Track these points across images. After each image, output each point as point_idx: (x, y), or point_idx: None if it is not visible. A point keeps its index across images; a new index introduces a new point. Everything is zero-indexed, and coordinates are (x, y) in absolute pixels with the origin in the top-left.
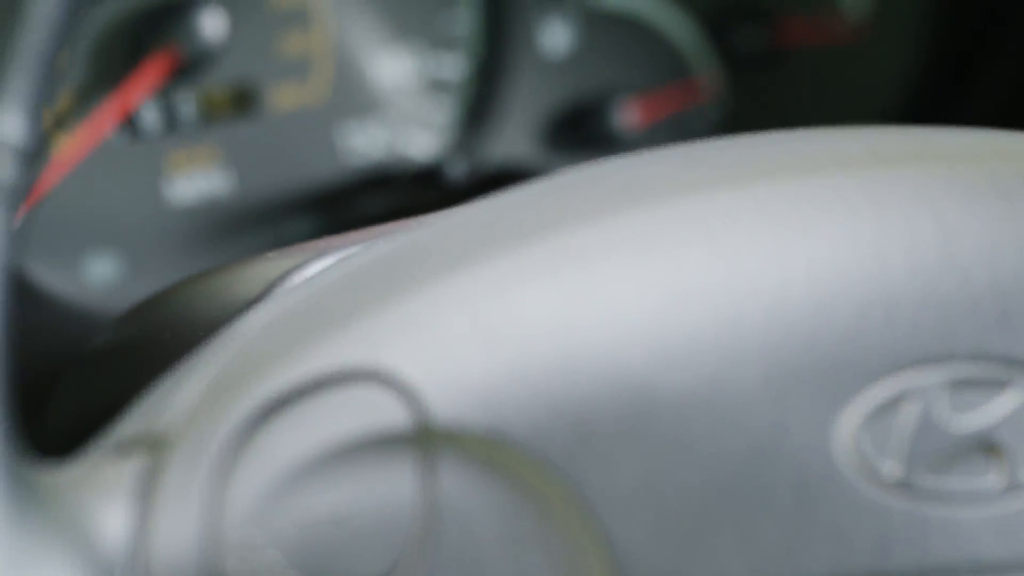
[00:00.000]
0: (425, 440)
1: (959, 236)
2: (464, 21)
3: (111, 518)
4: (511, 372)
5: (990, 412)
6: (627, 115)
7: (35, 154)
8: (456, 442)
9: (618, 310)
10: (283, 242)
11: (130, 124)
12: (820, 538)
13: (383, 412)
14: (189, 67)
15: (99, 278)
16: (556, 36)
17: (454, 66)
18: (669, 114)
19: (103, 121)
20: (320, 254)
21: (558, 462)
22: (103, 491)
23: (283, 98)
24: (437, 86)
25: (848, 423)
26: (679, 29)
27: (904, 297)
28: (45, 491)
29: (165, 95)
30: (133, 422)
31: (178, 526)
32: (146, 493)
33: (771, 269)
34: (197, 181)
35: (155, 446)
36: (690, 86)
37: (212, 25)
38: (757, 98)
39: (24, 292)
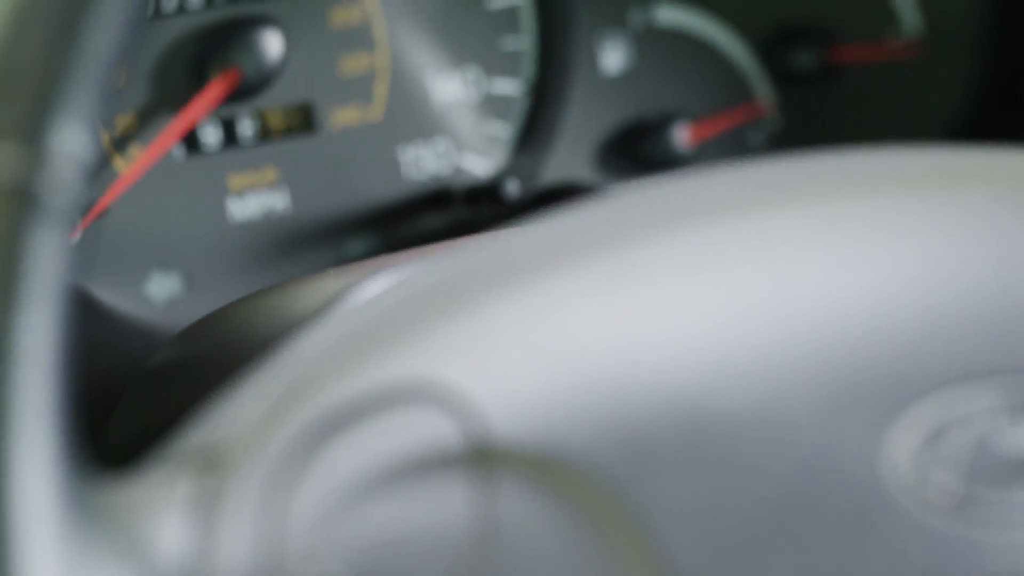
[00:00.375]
0: (483, 458)
1: (1012, 253)
2: (521, 39)
3: (172, 533)
4: (569, 391)
5: None
6: (682, 133)
7: (95, 168)
8: (514, 461)
9: (674, 329)
10: (342, 260)
11: (191, 142)
12: (874, 559)
13: (442, 430)
14: (249, 86)
15: (161, 295)
16: (612, 55)
17: (511, 84)
18: (723, 132)
19: (164, 140)
20: (379, 272)
21: (614, 481)
22: (164, 506)
23: (342, 117)
24: (494, 104)
25: (903, 442)
26: (734, 47)
27: (958, 314)
28: (106, 505)
29: (225, 113)
30: (194, 437)
31: (238, 542)
32: (207, 508)
33: (824, 288)
34: (257, 199)
35: (215, 462)
36: (745, 104)
37: (272, 45)
38: (811, 115)
39: (86, 308)
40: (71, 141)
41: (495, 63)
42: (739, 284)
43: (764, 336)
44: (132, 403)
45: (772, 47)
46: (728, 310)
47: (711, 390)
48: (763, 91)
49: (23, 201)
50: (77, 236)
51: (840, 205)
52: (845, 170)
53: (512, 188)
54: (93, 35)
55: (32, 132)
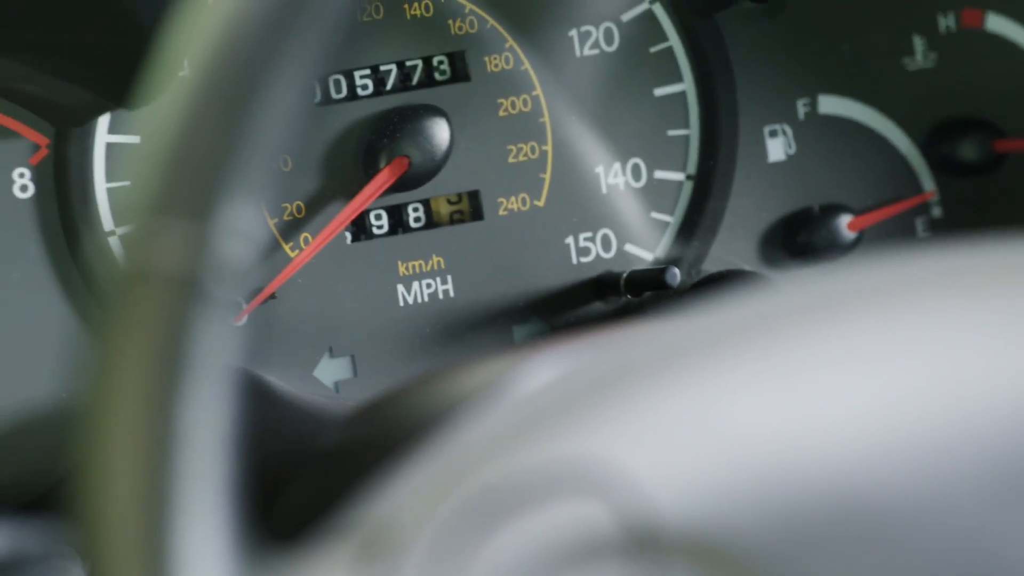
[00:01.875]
0: (649, 545)
1: None
2: (685, 126)
3: None
4: (737, 478)
5: None
6: (845, 222)
7: (262, 252)
8: (679, 549)
9: (841, 417)
10: (508, 344)
11: (359, 228)
12: None
13: (607, 515)
14: (417, 174)
15: (329, 377)
16: (775, 143)
17: (675, 170)
18: (887, 220)
19: (334, 226)
20: (544, 356)
21: (780, 570)
22: None
23: (508, 204)
24: (658, 192)
25: None
26: (896, 136)
27: None
28: None
29: (393, 200)
30: (360, 517)
31: None
32: None
33: (993, 378)
34: (424, 284)
35: (381, 541)
36: (908, 193)
37: (441, 134)
38: (973, 203)
39: (257, 389)
40: (238, 224)
41: (659, 151)
42: (906, 372)
43: (932, 425)
44: (301, 482)
45: (935, 137)
46: (895, 398)
47: (879, 478)
48: (926, 180)
49: (190, 283)
50: (245, 319)
51: (1007, 294)
52: (1012, 259)
53: (675, 275)
54: (261, 121)
55: (199, 214)
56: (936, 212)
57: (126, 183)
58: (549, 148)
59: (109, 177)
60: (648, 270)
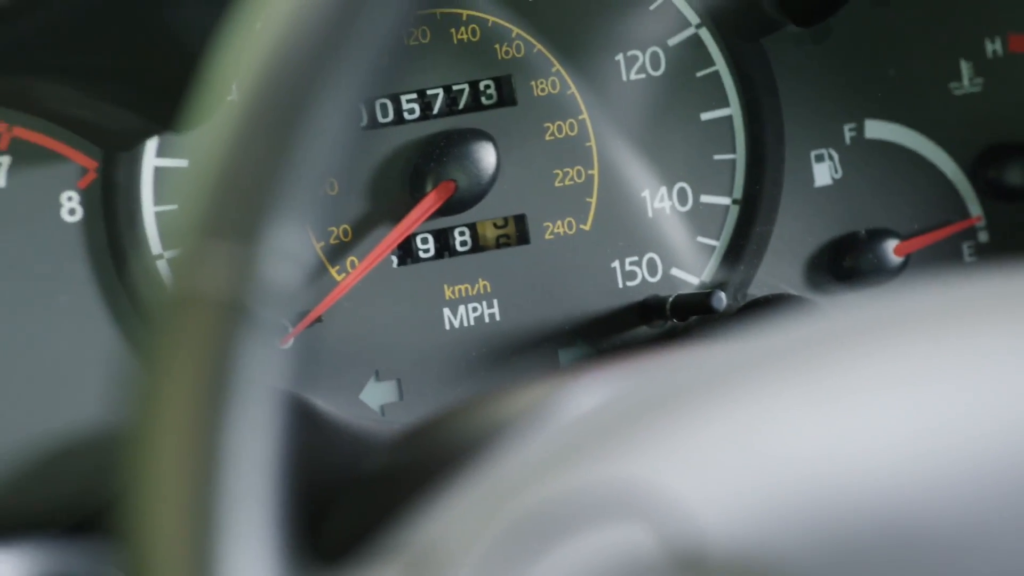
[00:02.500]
0: (699, 567)
1: None
2: (731, 151)
3: None
4: (783, 502)
5: None
6: (891, 247)
7: (308, 275)
8: (726, 571)
9: (889, 440)
10: (554, 368)
11: (405, 252)
12: None
13: (653, 538)
14: (463, 198)
15: (375, 400)
16: (821, 167)
17: (721, 195)
18: (934, 244)
19: (381, 250)
20: (590, 380)
21: None
22: None
23: (554, 228)
24: (704, 216)
25: None
26: (942, 161)
27: None
28: None
29: (440, 224)
30: (406, 539)
31: None
32: None
33: None
34: (470, 307)
35: (426, 563)
36: (954, 217)
37: (487, 158)
38: (1019, 228)
39: (303, 412)
40: (284, 247)
41: (706, 176)
42: (955, 397)
43: (978, 452)
44: (348, 505)
45: (982, 162)
46: (943, 422)
47: (924, 504)
48: (972, 205)
49: (237, 306)
50: (292, 343)
51: None
52: None
53: (721, 299)
54: (308, 144)
55: (247, 237)
56: (983, 237)
57: (174, 207)
58: (595, 172)
59: (157, 200)
60: (694, 294)
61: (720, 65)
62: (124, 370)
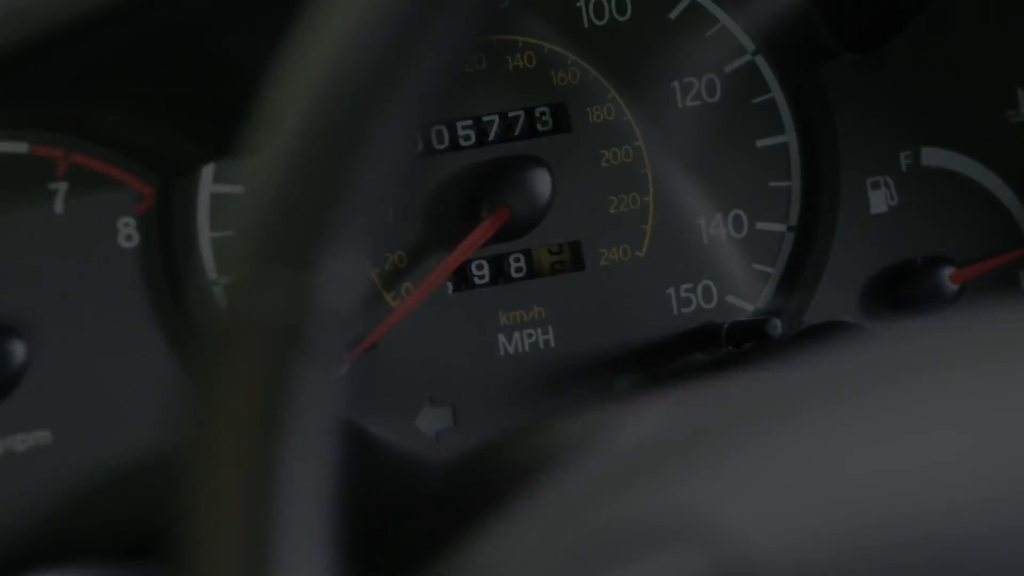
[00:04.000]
0: None
1: None
2: (787, 178)
3: None
4: (838, 526)
5: None
6: (948, 275)
7: (364, 301)
8: None
9: (943, 469)
10: (609, 395)
11: (460, 278)
12: None
13: (712, 564)
14: (519, 224)
15: (430, 427)
16: (877, 194)
17: (776, 222)
18: (990, 272)
19: (436, 277)
20: (645, 407)
21: None
22: None
23: (609, 255)
24: (759, 243)
25: None
26: (999, 188)
27: None
28: None
29: (495, 251)
30: (460, 566)
31: None
32: None
33: None
34: (525, 334)
35: None
36: (1012, 244)
37: (543, 184)
38: None
39: (359, 438)
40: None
41: (761, 203)
42: (1010, 427)
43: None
44: (403, 531)
45: None
46: (998, 453)
47: (983, 534)
48: None
49: (293, 332)
50: (347, 369)
51: None
52: None
53: (777, 326)
54: (364, 171)
55: (303, 263)
56: None
57: (230, 233)
58: (651, 199)
59: (214, 227)
60: (749, 321)
61: (776, 92)
62: (180, 396)
